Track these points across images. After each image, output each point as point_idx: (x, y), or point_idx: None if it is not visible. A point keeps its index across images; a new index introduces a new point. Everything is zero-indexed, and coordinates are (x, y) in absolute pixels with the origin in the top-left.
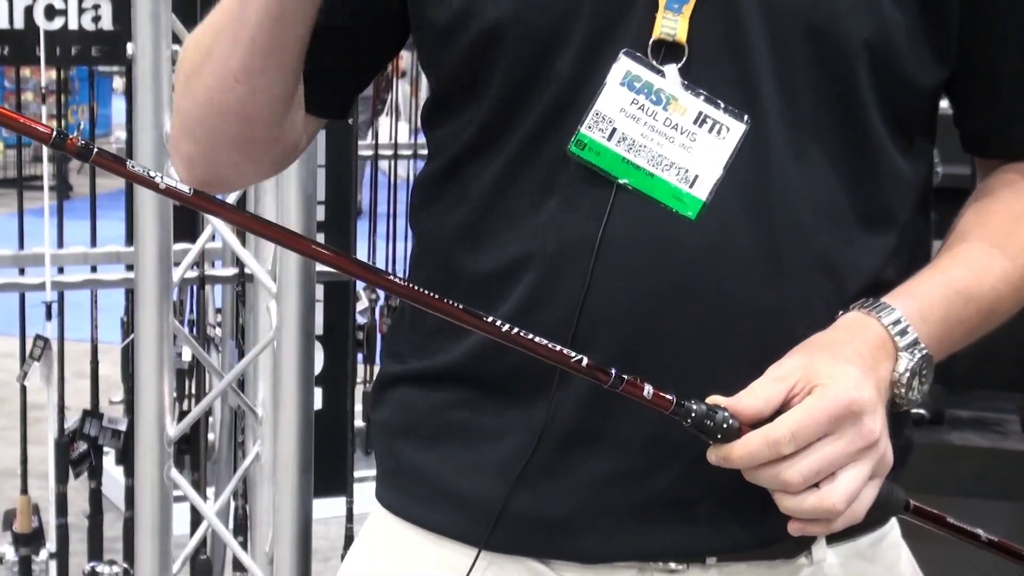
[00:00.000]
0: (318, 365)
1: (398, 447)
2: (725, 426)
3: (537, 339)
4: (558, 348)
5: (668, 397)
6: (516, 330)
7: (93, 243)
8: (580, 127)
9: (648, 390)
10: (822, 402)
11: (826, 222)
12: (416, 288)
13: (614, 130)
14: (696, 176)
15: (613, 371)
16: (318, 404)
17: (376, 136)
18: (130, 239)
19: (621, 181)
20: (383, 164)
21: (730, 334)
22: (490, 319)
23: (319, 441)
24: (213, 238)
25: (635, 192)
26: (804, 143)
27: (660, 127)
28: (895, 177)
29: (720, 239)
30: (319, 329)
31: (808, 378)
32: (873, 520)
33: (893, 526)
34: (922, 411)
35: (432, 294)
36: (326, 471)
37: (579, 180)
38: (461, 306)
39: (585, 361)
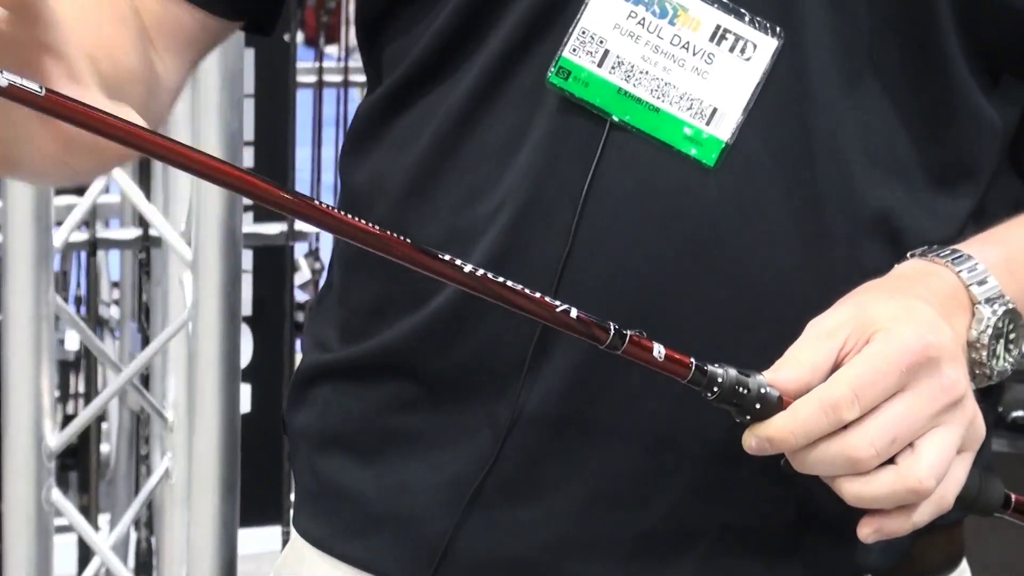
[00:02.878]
0: (246, 355)
1: (322, 461)
2: (763, 392)
3: (510, 283)
4: (538, 295)
5: (685, 359)
6: (482, 272)
7: None
8: (561, 50)
9: (659, 350)
10: (888, 348)
11: (884, 175)
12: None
13: (606, 53)
14: (714, 110)
15: (612, 326)
16: (246, 406)
17: (321, 57)
18: None
19: (616, 118)
20: (330, 94)
21: (755, 313)
22: (450, 259)
23: (247, 454)
24: (107, 190)
25: (635, 132)
26: (858, 70)
27: (666, 47)
28: (977, 123)
29: (745, 192)
30: (247, 308)
31: (864, 327)
32: (945, 556)
33: (964, 570)
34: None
35: (442, 254)
36: (256, 493)
37: (562, 119)
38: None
39: (575, 312)
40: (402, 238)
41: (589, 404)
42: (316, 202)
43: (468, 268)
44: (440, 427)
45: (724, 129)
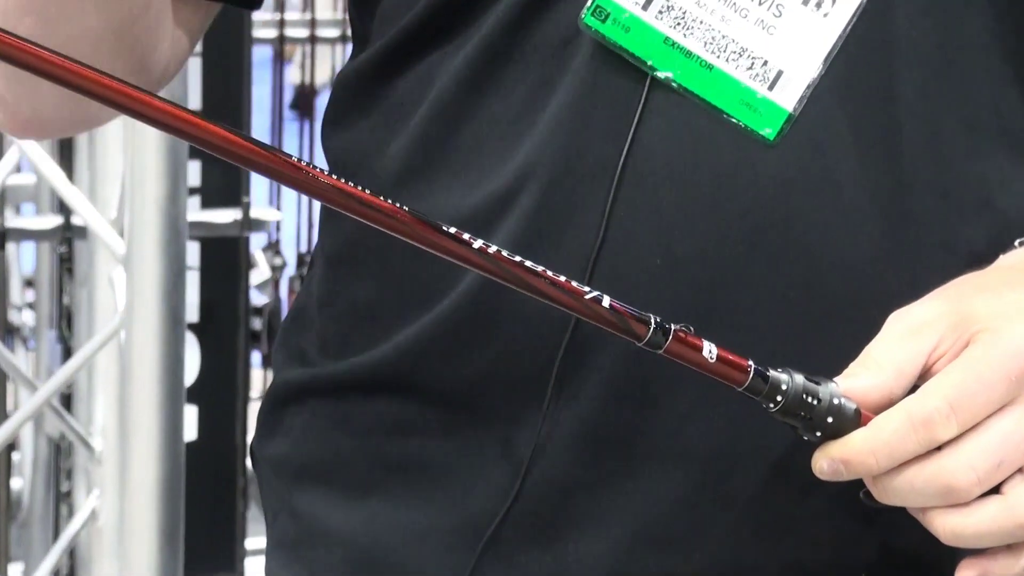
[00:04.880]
0: (191, 370)
1: (302, 499)
2: (837, 403)
3: (529, 264)
4: (562, 279)
5: (743, 361)
6: (495, 250)
7: None
8: None
9: (710, 350)
10: (994, 351)
11: (985, 146)
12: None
13: None
14: (779, 73)
15: (653, 319)
16: (191, 432)
17: (281, 7)
18: None
19: (660, 74)
20: (293, 53)
21: (826, 311)
22: (456, 233)
23: (193, 490)
24: (19, 169)
25: (681, 92)
26: (955, 26)
27: None
28: None
29: (814, 167)
30: (192, 313)
31: (962, 325)
32: None
33: None
34: None
35: (451, 227)
36: (204, 537)
37: (596, 70)
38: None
39: (607, 301)
40: (398, 205)
41: (628, 426)
42: (294, 159)
43: (478, 244)
44: (448, 456)
45: (790, 96)
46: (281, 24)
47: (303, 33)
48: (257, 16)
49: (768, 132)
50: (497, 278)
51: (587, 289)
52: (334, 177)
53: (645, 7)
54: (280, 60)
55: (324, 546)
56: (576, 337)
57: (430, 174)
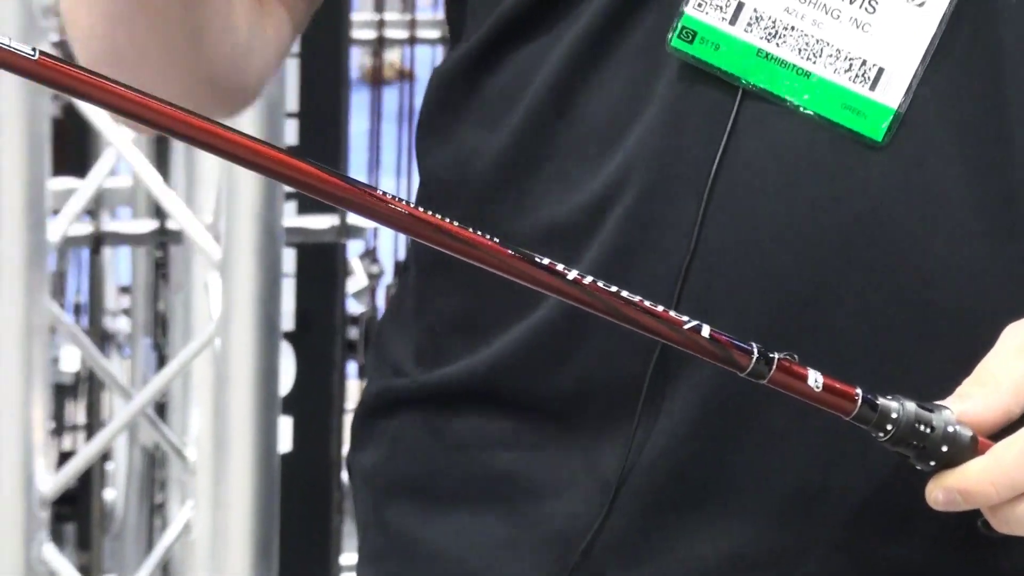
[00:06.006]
0: (286, 380)
1: (392, 511)
2: (952, 431)
3: (625, 294)
4: (660, 310)
5: (850, 390)
6: (590, 280)
7: None
8: (683, 5)
9: (815, 378)
10: None
11: None
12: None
13: (739, 6)
14: (880, 71)
15: (754, 347)
16: (285, 444)
17: (381, 6)
18: None
19: (757, 88)
20: (392, 54)
21: (932, 329)
22: (550, 264)
23: (287, 504)
24: (115, 171)
25: (777, 101)
26: None
27: None
28: None
29: (917, 175)
30: (288, 322)
31: None
32: None
33: None
34: None
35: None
36: (298, 552)
37: (684, 87)
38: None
39: (707, 330)
40: (488, 238)
41: (721, 445)
42: (377, 192)
43: (572, 275)
44: (536, 471)
45: (893, 94)
46: (380, 25)
47: (403, 34)
48: (356, 16)
49: (875, 133)
50: (593, 309)
51: (686, 319)
52: (418, 208)
53: (732, 21)
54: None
55: (412, 560)
56: (667, 353)
57: (520, 183)
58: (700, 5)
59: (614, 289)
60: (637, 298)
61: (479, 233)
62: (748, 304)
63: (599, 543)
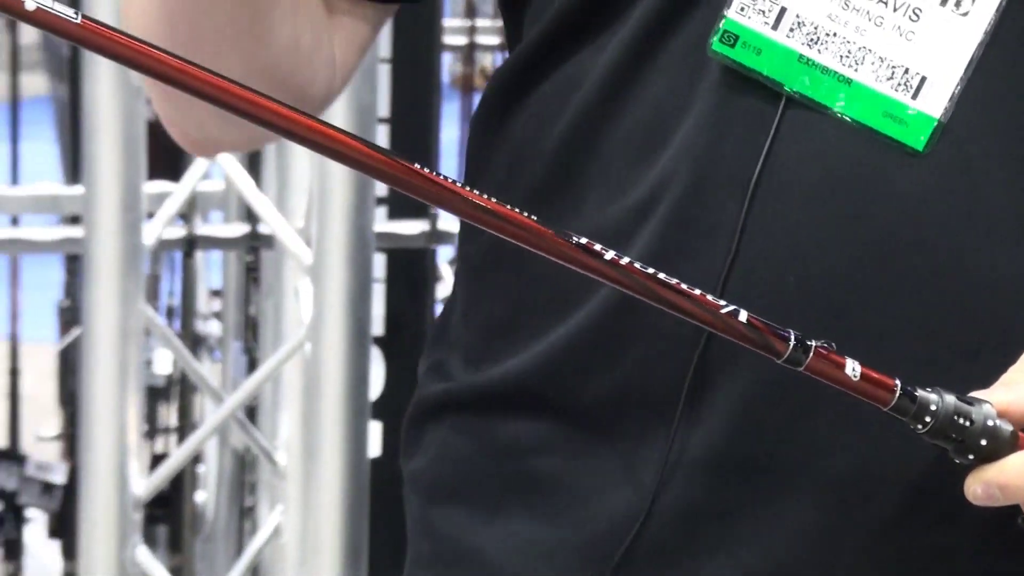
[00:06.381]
0: (376, 384)
1: (437, 515)
2: (991, 425)
3: (663, 276)
4: (697, 293)
5: (888, 380)
6: (627, 261)
7: (14, 179)
8: (726, 9)
9: (853, 367)
10: None
11: None
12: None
13: (782, 11)
14: (922, 80)
15: (792, 334)
16: (375, 448)
17: (473, 12)
18: (74, 175)
19: (797, 94)
20: (483, 61)
21: (974, 335)
22: (587, 243)
23: (377, 508)
24: (208, 175)
25: (818, 108)
26: None
27: (859, 2)
28: None
29: (959, 182)
30: (378, 327)
31: None
32: None
33: None
34: None
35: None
36: (387, 556)
37: (725, 92)
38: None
39: (744, 315)
40: (524, 214)
41: (762, 447)
42: (469, 190)
43: (609, 256)
44: (575, 475)
45: (936, 103)
46: (472, 31)
47: (494, 40)
48: (448, 23)
49: (916, 142)
50: (630, 291)
51: (723, 303)
52: (463, 187)
53: (775, 26)
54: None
55: (456, 564)
56: (707, 359)
57: (569, 185)
58: (742, 9)
59: (651, 271)
60: (674, 281)
61: (517, 210)
62: (788, 308)
63: (639, 548)
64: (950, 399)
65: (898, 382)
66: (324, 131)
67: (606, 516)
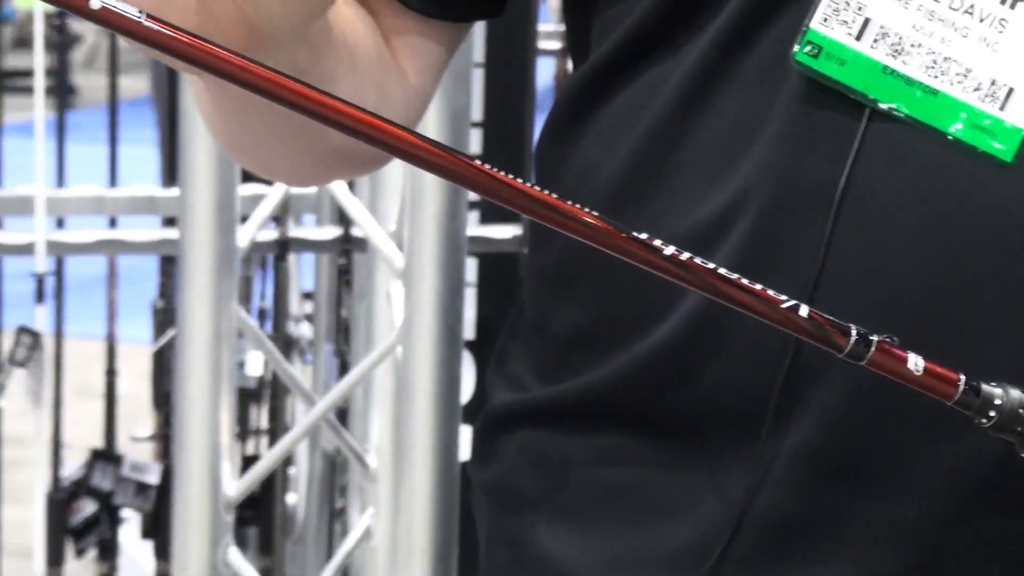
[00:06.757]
0: (467, 388)
1: (517, 524)
2: None
3: (723, 271)
4: (758, 288)
5: (952, 375)
6: (687, 256)
7: (112, 181)
8: (809, 20)
9: (916, 362)
10: None
11: None
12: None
13: (866, 22)
14: (1010, 91)
15: (854, 329)
16: (465, 453)
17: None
18: (170, 177)
19: (882, 106)
20: None
21: None
22: (647, 239)
23: (468, 512)
24: None
25: (903, 120)
26: None
27: (944, 13)
28: None
29: None
30: (469, 331)
31: None
32: None
33: None
34: None
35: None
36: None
37: (808, 103)
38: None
39: (805, 310)
40: (582, 208)
41: (852, 456)
42: (557, 199)
43: (669, 251)
44: (660, 487)
45: (1022, 113)
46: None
47: None
48: (543, 27)
49: (1003, 153)
50: (690, 285)
51: (784, 298)
52: (518, 181)
53: (858, 37)
54: (564, 70)
55: (540, 572)
56: (795, 369)
57: (645, 196)
58: (826, 20)
59: (711, 266)
60: (735, 276)
61: (569, 202)
62: (877, 322)
63: (726, 562)
64: (1015, 393)
65: (962, 376)
66: (407, 139)
67: (693, 528)
